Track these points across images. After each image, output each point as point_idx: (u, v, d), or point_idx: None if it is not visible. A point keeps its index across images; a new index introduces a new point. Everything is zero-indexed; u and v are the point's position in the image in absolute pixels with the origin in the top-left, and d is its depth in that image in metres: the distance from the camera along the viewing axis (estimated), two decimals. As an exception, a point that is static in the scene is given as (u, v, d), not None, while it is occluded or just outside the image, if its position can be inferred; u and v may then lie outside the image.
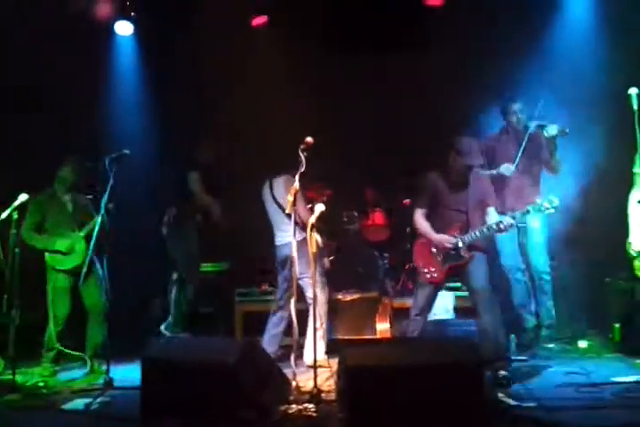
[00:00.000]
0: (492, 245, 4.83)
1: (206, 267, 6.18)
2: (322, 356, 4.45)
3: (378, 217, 6.23)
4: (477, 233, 4.16)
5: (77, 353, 4.66)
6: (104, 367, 4.56)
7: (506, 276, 4.77)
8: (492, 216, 4.23)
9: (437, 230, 4.32)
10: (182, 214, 5.59)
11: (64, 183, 4.83)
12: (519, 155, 4.70)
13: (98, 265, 4.66)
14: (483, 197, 4.30)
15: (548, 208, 4.10)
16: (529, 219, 4.65)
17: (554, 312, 4.84)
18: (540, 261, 4.74)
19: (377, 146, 6.22)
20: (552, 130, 4.54)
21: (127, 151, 4.26)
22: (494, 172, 4.74)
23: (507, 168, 4.72)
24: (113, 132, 5.87)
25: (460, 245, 4.18)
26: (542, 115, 4.70)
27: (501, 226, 4.09)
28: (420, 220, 4.37)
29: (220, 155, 5.69)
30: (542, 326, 4.83)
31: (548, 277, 4.78)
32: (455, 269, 4.28)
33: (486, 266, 4.29)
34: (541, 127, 4.66)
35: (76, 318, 4.79)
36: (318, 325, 4.27)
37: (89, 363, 4.69)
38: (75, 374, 4.70)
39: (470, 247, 4.20)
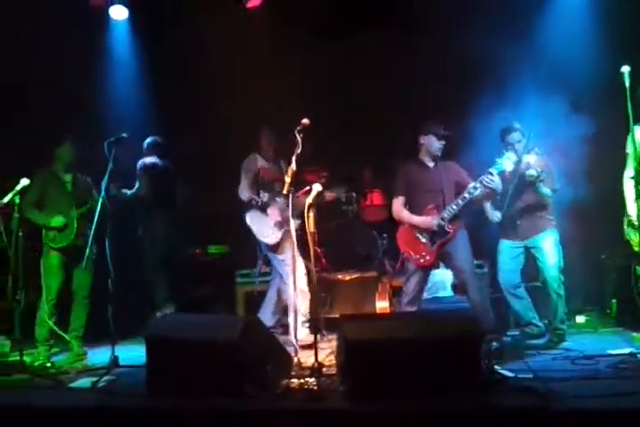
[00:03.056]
0: (492, 261, 4.85)
1: (209, 249, 6.27)
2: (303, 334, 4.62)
3: (376, 197, 6.27)
4: (454, 206, 4.35)
5: (65, 334, 4.71)
6: (84, 349, 4.75)
7: (504, 292, 4.62)
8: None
9: (414, 212, 4.51)
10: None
11: (62, 163, 4.89)
12: (508, 198, 4.49)
13: (93, 248, 4.59)
14: (457, 178, 4.53)
15: (507, 164, 4.25)
16: (541, 239, 4.56)
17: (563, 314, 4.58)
18: (555, 280, 4.51)
19: (374, 127, 6.23)
20: (529, 177, 4.40)
21: (125, 134, 4.28)
22: (487, 209, 4.61)
23: (493, 215, 4.59)
24: (110, 117, 5.88)
25: (442, 222, 4.36)
26: (530, 146, 4.55)
27: (484, 181, 4.23)
28: (400, 208, 4.58)
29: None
30: (553, 327, 4.57)
31: (561, 292, 4.52)
32: (444, 246, 4.41)
33: (469, 244, 4.47)
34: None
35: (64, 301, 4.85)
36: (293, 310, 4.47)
37: (72, 344, 4.73)
38: (61, 357, 4.79)
39: (452, 221, 4.38)
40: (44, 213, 4.80)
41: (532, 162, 4.47)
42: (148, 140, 5.81)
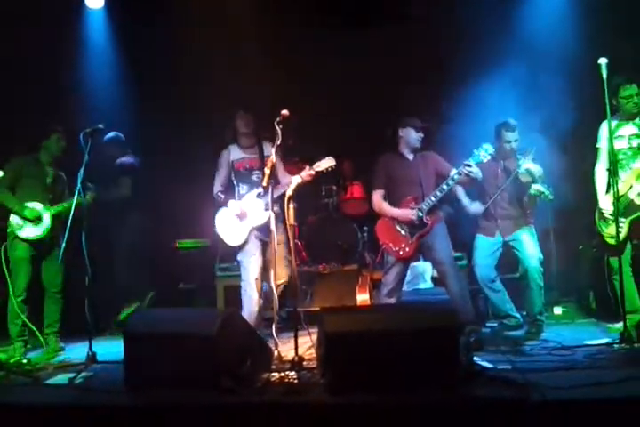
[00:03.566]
0: (468, 251, 4.84)
1: (188, 243, 6.21)
2: None
3: (356, 190, 6.28)
4: (432, 198, 4.39)
5: (36, 330, 4.61)
6: (60, 345, 4.68)
7: (481, 286, 4.62)
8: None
9: (394, 205, 4.53)
10: None
11: (48, 155, 4.77)
12: (498, 192, 4.52)
13: (64, 243, 4.44)
14: (437, 167, 4.55)
15: (484, 155, 4.29)
16: (519, 233, 4.57)
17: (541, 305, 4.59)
18: (536, 271, 4.51)
19: (355, 119, 6.22)
20: (536, 192, 4.43)
21: (101, 126, 4.21)
22: (464, 202, 4.63)
23: (476, 207, 4.59)
24: (85, 107, 5.78)
25: (421, 214, 4.39)
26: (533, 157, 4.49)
27: (463, 172, 4.26)
28: (380, 200, 4.60)
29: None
30: (532, 319, 4.57)
31: (542, 283, 4.53)
32: (422, 238, 4.44)
33: (448, 236, 4.50)
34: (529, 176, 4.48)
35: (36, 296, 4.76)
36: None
37: (49, 339, 4.67)
38: (37, 353, 4.70)
39: (430, 213, 4.41)
40: (17, 199, 4.65)
41: (533, 169, 4.47)
42: (113, 135, 5.55)
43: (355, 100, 6.14)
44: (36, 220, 4.62)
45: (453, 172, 4.38)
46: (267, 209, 4.25)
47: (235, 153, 4.71)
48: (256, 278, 4.45)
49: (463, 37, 5.67)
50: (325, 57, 6.09)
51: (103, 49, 6.22)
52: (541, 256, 4.57)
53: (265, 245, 4.48)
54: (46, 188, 4.76)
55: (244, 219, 4.52)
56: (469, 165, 4.28)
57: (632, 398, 2.87)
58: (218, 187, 4.66)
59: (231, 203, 4.56)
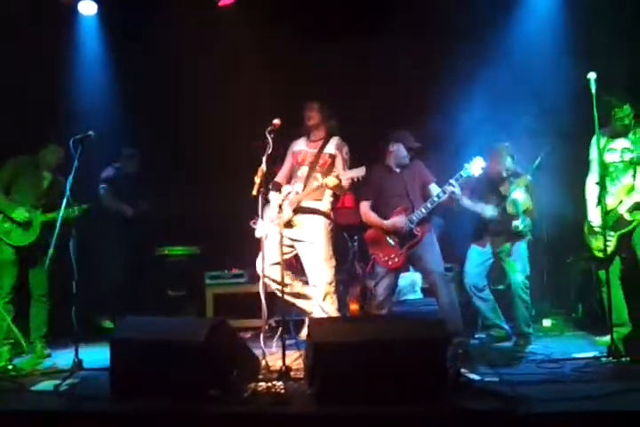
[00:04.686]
0: (461, 265, 4.87)
1: (177, 251, 6.19)
2: None
3: (348, 200, 6.26)
4: (423, 209, 4.41)
5: (18, 333, 4.55)
6: (47, 351, 4.64)
7: (470, 294, 4.66)
8: (434, 190, 4.49)
9: (382, 216, 4.54)
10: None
11: (44, 164, 4.74)
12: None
13: (52, 249, 4.29)
14: (422, 177, 4.59)
15: (476, 170, 4.31)
16: (508, 246, 4.60)
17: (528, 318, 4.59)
18: (519, 286, 4.51)
19: (347, 128, 6.22)
20: (515, 227, 4.51)
21: (92, 132, 4.18)
22: (477, 209, 4.65)
23: (493, 211, 4.61)
24: (77, 113, 5.77)
25: (411, 225, 4.40)
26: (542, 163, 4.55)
27: (446, 191, 4.32)
28: (368, 211, 4.61)
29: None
30: (521, 333, 4.57)
31: (526, 297, 4.53)
32: (412, 249, 4.45)
33: (437, 246, 4.51)
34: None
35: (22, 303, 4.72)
36: None
37: (35, 345, 4.62)
38: (23, 359, 4.64)
39: (420, 224, 4.43)
40: (8, 200, 4.61)
41: (520, 201, 4.50)
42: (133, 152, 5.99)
43: (348, 111, 6.13)
44: (25, 224, 4.58)
45: (438, 190, 4.41)
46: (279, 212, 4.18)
47: (299, 145, 4.59)
48: (264, 274, 4.21)
49: (462, 38, 5.69)
50: (324, 58, 6.08)
51: (96, 55, 6.21)
52: (528, 271, 4.59)
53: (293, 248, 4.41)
54: (41, 192, 4.71)
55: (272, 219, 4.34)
56: (452, 185, 4.31)
57: (619, 412, 2.88)
58: (278, 177, 4.54)
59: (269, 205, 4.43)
